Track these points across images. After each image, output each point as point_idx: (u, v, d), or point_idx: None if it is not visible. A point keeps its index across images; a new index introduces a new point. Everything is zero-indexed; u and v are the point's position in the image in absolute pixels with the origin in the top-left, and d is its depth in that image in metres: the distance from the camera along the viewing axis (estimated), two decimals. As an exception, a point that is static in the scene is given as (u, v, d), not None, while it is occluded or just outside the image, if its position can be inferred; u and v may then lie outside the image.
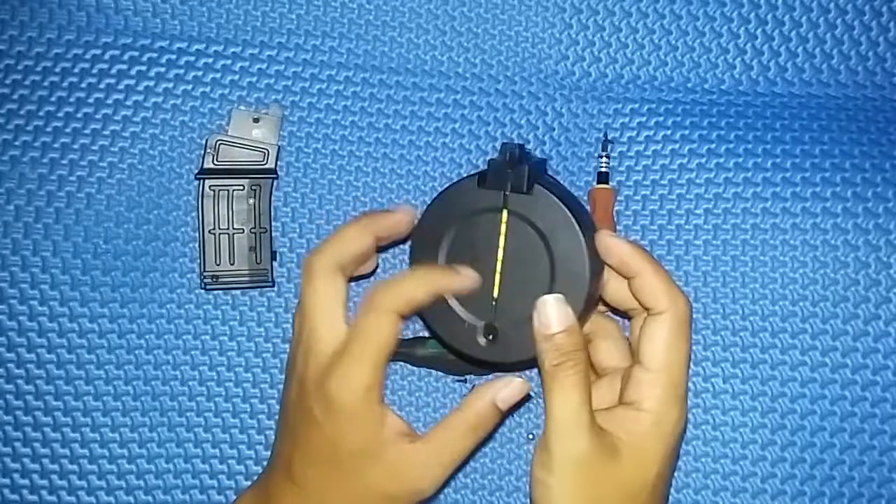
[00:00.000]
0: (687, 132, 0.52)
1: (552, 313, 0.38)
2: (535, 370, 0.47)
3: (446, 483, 0.42)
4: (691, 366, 0.50)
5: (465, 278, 0.41)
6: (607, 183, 0.51)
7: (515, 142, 0.51)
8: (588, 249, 0.41)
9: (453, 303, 0.42)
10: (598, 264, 0.41)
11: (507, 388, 0.39)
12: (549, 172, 0.50)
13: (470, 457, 0.41)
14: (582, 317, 0.40)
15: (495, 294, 0.41)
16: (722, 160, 0.51)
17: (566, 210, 0.40)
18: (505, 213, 0.41)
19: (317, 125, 0.52)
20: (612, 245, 0.41)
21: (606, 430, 0.39)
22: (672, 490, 0.50)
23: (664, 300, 0.40)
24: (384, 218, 0.43)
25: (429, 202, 0.44)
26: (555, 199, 0.41)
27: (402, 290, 0.40)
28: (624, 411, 0.39)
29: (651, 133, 0.52)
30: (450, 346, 0.44)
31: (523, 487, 0.50)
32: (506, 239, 0.41)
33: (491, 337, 0.41)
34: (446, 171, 0.52)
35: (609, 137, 0.52)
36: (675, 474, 0.50)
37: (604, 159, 0.51)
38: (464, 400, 0.40)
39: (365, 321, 0.39)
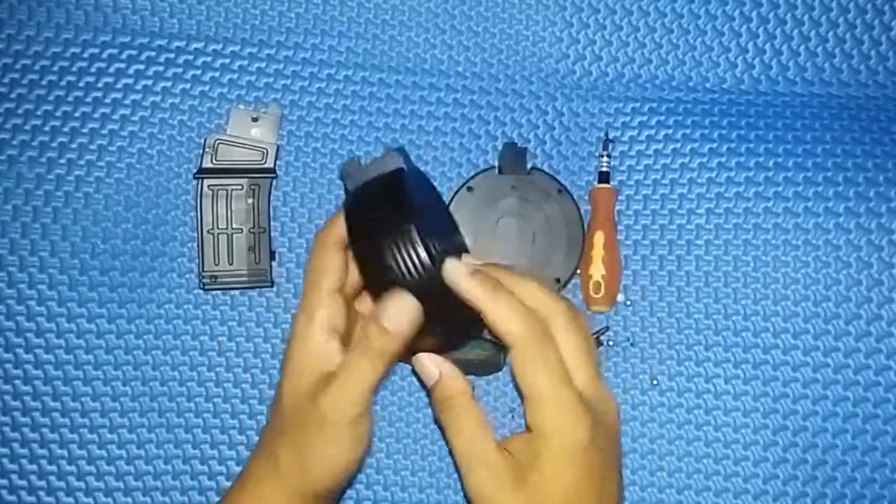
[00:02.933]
0: (689, 131, 0.52)
1: (428, 366, 0.40)
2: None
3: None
4: (692, 366, 0.50)
5: None
6: (608, 182, 0.51)
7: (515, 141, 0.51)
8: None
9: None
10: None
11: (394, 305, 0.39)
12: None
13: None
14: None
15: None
16: (724, 159, 0.51)
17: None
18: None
19: (316, 124, 0.51)
20: (453, 279, 0.39)
21: (515, 452, 0.39)
22: (674, 491, 0.50)
23: (506, 329, 0.39)
24: None
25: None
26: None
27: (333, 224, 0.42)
28: (527, 434, 0.39)
29: (652, 132, 0.52)
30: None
31: (524, 488, 0.50)
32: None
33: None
34: (446, 171, 0.52)
35: (610, 137, 0.51)
36: (677, 475, 0.50)
37: (605, 159, 0.51)
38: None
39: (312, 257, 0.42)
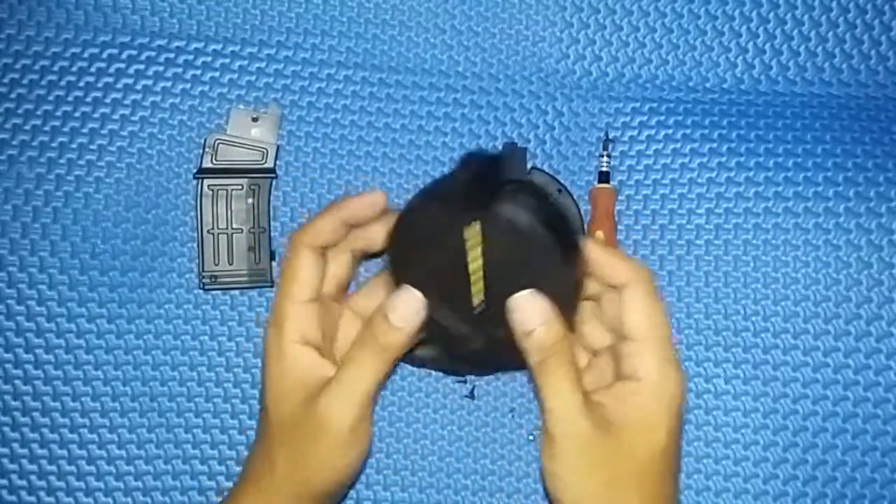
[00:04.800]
0: (689, 131, 0.52)
1: (527, 310, 0.38)
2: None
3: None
4: (692, 366, 0.50)
5: (363, 197, 0.41)
6: (608, 182, 0.51)
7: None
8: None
9: (445, 320, 0.40)
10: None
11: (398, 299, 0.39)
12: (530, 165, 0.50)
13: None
14: (569, 308, 0.40)
15: (478, 301, 0.40)
16: (724, 159, 0.51)
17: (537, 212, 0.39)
18: (478, 223, 0.38)
19: (316, 124, 0.51)
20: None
21: (606, 407, 0.39)
22: (673, 491, 0.50)
23: (626, 272, 0.40)
24: (353, 201, 0.42)
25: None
26: (525, 201, 0.38)
27: (311, 226, 0.41)
28: (622, 385, 0.39)
29: (652, 132, 0.52)
30: (451, 355, 0.43)
31: (524, 489, 0.50)
32: (484, 247, 0.38)
33: (483, 341, 0.41)
34: (446, 171, 0.52)
35: (610, 137, 0.51)
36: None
37: (605, 159, 0.51)
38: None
39: (286, 260, 0.41)
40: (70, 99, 0.50)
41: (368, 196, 0.41)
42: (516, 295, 0.38)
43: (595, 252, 0.40)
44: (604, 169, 0.51)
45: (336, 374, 0.39)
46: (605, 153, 0.51)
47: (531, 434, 0.50)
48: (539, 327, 0.38)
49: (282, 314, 0.41)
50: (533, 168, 0.50)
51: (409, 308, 0.38)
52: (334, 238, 0.42)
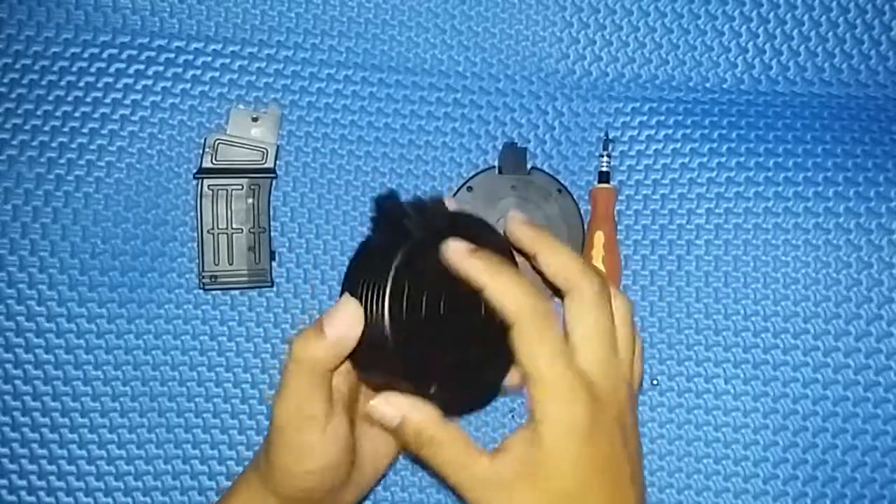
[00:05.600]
0: (689, 131, 0.52)
1: (388, 404, 0.37)
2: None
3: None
4: (692, 366, 0.50)
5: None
6: (608, 182, 0.51)
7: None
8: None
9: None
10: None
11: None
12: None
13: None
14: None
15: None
16: (724, 159, 0.51)
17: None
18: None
19: (316, 124, 0.51)
20: (453, 258, 0.38)
21: (514, 449, 0.37)
22: (673, 491, 0.50)
23: (499, 306, 0.37)
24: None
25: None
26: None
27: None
28: (521, 429, 0.37)
29: (652, 132, 0.52)
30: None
31: (524, 489, 0.50)
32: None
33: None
34: (446, 171, 0.52)
35: (610, 137, 0.51)
36: (677, 475, 0.50)
37: (605, 159, 0.51)
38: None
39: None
40: (70, 99, 0.50)
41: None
42: (371, 402, 0.37)
43: (471, 271, 0.37)
44: (604, 169, 0.51)
45: (279, 381, 0.39)
46: (605, 153, 0.51)
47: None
48: (404, 417, 0.37)
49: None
50: (533, 168, 0.50)
51: (342, 319, 0.37)
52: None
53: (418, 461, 0.42)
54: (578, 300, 0.37)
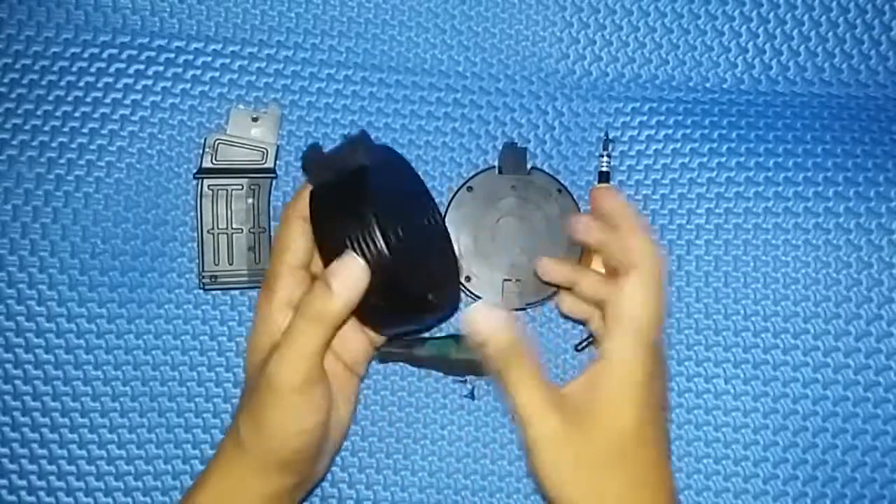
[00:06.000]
0: (689, 131, 0.52)
1: (476, 321, 0.39)
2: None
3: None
4: (692, 365, 0.50)
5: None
6: (608, 182, 0.51)
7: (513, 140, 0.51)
8: None
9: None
10: None
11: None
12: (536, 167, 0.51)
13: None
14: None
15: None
16: (724, 159, 0.51)
17: None
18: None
19: (316, 124, 0.51)
20: (599, 197, 0.43)
21: (575, 397, 0.40)
22: (673, 491, 0.50)
23: (635, 254, 0.40)
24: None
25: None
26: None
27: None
28: (596, 367, 0.40)
29: (652, 132, 0.52)
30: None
31: (523, 489, 0.50)
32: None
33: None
34: (446, 171, 0.52)
35: (610, 137, 0.51)
36: (677, 475, 0.50)
37: (604, 159, 0.51)
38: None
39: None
40: (70, 99, 0.50)
41: None
42: (469, 308, 0.39)
43: (623, 225, 0.41)
44: (604, 169, 0.51)
45: (281, 339, 0.40)
46: (604, 153, 0.51)
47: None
48: (491, 337, 0.38)
49: (272, 279, 0.42)
50: (533, 168, 0.50)
51: (348, 274, 0.39)
52: None
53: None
54: (637, 277, 0.41)
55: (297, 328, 0.39)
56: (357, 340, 0.46)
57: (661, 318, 0.41)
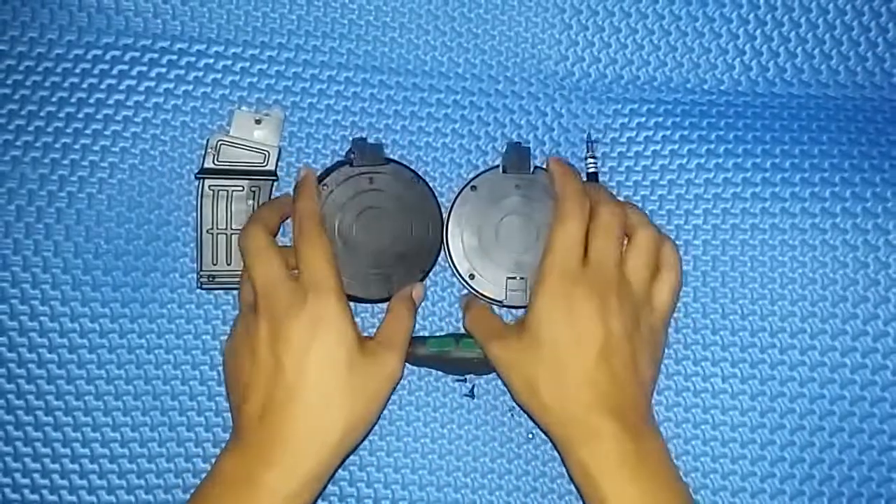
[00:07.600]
0: (686, 133, 0.52)
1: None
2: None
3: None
4: (690, 365, 0.50)
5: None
6: (597, 182, 0.51)
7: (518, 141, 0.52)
8: None
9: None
10: None
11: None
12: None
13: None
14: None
15: None
16: (721, 161, 0.51)
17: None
18: None
19: (317, 125, 0.52)
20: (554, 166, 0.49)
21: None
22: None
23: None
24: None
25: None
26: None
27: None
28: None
29: (650, 133, 0.52)
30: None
31: (523, 487, 0.50)
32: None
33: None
34: (446, 172, 0.52)
35: (593, 137, 0.52)
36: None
37: (590, 160, 0.51)
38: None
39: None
40: (73, 100, 0.50)
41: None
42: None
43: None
44: (591, 170, 0.51)
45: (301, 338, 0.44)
46: (589, 154, 0.51)
47: (530, 433, 0.51)
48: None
49: (258, 213, 0.48)
50: (536, 168, 0.51)
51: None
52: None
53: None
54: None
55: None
56: None
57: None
